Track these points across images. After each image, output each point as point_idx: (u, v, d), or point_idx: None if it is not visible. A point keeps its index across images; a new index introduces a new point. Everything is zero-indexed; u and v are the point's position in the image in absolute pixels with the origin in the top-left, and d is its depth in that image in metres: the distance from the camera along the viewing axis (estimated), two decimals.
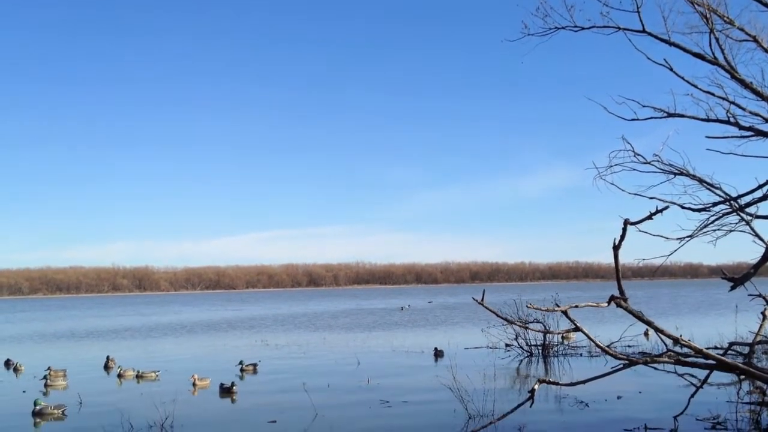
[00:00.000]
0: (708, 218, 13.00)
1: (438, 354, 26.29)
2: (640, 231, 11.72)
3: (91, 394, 19.13)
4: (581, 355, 25.50)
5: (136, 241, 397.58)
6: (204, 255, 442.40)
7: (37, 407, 16.26)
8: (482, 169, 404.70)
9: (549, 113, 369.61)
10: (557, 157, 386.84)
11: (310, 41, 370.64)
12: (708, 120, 12.37)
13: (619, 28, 12.62)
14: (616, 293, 11.11)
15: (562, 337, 27.76)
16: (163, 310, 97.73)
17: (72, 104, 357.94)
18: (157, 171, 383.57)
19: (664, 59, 12.20)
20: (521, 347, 26.71)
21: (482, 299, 11.07)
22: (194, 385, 19.90)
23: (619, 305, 10.95)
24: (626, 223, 10.72)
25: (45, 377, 21.69)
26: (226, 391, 18.71)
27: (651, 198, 12.43)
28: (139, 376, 22.38)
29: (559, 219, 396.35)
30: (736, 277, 12.65)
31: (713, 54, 11.89)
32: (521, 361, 24.90)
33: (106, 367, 25.53)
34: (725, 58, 11.88)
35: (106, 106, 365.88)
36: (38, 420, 15.87)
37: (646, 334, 26.81)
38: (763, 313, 13.97)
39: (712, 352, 11.26)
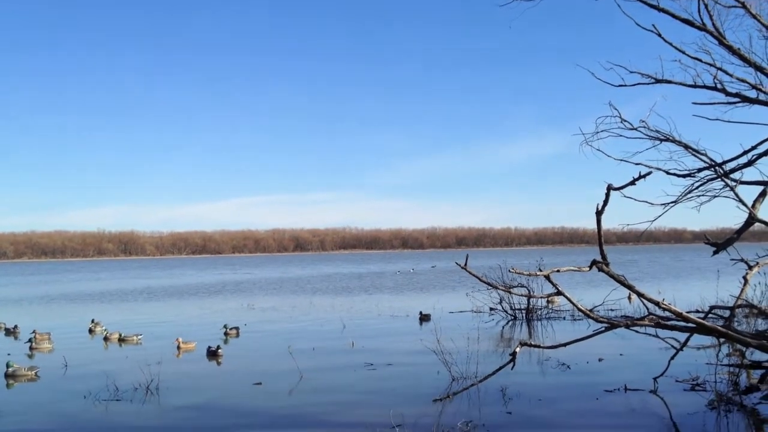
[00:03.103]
0: (693, 184, 13.06)
1: (423, 318, 26.44)
2: (625, 197, 11.74)
3: (77, 356, 19.17)
4: (564, 318, 25.75)
5: (123, 206, 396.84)
6: (190, 220, 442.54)
7: (10, 369, 16.45)
8: (470, 135, 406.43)
9: (537, 80, 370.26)
10: (545, 124, 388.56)
11: (297, 9, 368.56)
12: (695, 86, 12.36)
13: None
14: (599, 258, 11.16)
15: (548, 301, 27.97)
16: (149, 274, 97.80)
17: (57, 69, 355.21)
18: (144, 136, 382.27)
19: (653, 25, 12.14)
20: (505, 311, 26.94)
21: (465, 264, 11.10)
22: (179, 348, 19.95)
23: (600, 269, 11.00)
24: (609, 188, 10.73)
25: (30, 340, 21.69)
26: (212, 354, 18.78)
27: (637, 164, 12.45)
28: (121, 340, 22.41)
29: (546, 185, 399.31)
30: (719, 242, 12.77)
31: (701, 20, 11.83)
32: (505, 324, 25.09)
33: (90, 331, 25.50)
34: (713, 24, 11.82)
35: (92, 70, 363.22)
36: (11, 381, 15.99)
37: (629, 298, 27.03)
38: (744, 278, 14.09)
39: (693, 316, 11.36)
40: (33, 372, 16.51)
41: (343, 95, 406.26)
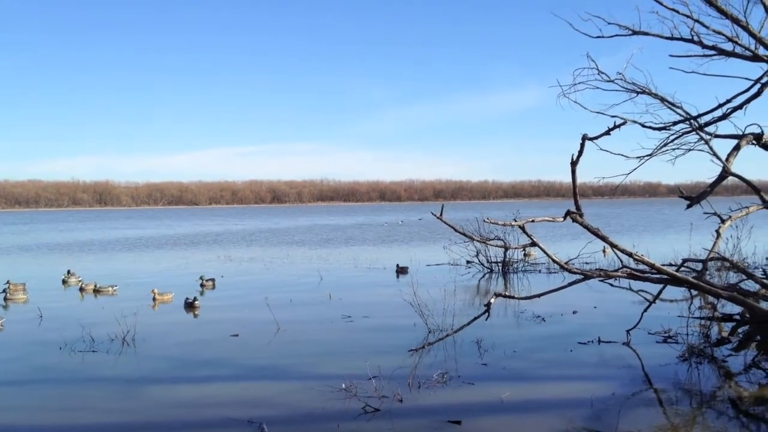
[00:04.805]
0: (668, 137, 13.10)
1: (400, 270, 26.54)
2: (601, 149, 11.80)
3: (52, 307, 19.06)
4: (540, 271, 25.98)
5: (98, 156, 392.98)
6: (167, 170, 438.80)
7: None
8: (449, 87, 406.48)
9: (515, 31, 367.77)
10: (524, 76, 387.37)
11: None
12: (672, 38, 12.30)
13: None
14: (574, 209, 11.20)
15: (524, 255, 28.20)
16: (125, 224, 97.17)
17: (33, 12, 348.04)
18: (120, 82, 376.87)
19: None
20: (482, 264, 27.12)
21: (441, 214, 11.10)
22: (154, 299, 19.90)
23: (575, 220, 11.06)
24: (584, 138, 10.73)
25: (4, 291, 21.55)
26: (189, 305, 18.75)
27: (613, 116, 12.44)
28: (96, 291, 22.32)
29: (523, 138, 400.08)
30: (693, 196, 12.86)
31: None
32: (481, 277, 25.27)
33: (64, 282, 25.32)
34: None
35: (68, 11, 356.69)
36: None
37: (603, 252, 27.28)
38: (717, 231, 14.24)
39: (666, 268, 11.48)
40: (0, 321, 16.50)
41: (319, 47, 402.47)
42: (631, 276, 11.40)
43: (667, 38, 12.34)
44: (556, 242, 37.35)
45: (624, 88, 12.94)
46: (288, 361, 12.36)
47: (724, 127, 12.81)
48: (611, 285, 15.65)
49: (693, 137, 12.94)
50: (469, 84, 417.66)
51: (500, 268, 26.69)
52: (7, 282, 22.32)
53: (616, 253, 12.30)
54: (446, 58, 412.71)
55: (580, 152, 10.85)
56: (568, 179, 11.27)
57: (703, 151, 12.97)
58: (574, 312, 16.50)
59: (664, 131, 13.14)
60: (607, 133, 10.79)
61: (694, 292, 14.50)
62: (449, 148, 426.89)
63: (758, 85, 12.10)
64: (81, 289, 22.69)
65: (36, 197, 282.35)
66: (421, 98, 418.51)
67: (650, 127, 13.10)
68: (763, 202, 12.39)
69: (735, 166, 12.32)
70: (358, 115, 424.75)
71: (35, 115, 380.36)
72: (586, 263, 23.78)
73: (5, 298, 21.02)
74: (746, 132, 12.35)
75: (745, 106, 12.37)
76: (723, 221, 14.09)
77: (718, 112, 12.69)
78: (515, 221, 11.43)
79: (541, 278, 24.01)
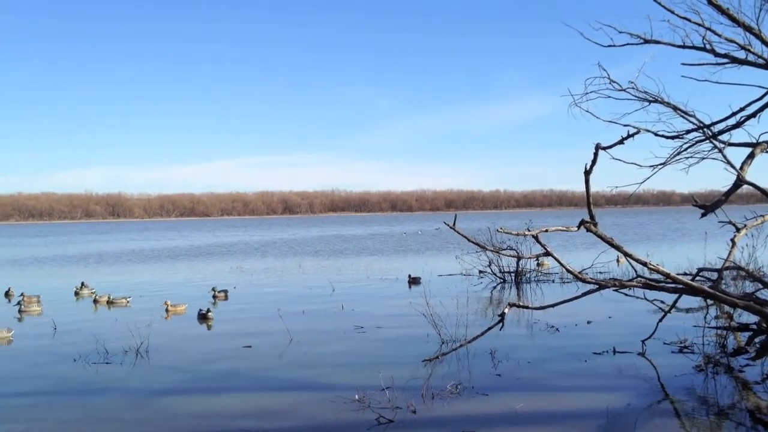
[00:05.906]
0: (681, 146, 12.98)
1: (412, 281, 26.48)
2: (614, 159, 11.70)
3: (66, 319, 19.13)
4: (553, 281, 25.86)
5: (110, 168, 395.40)
6: (179, 182, 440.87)
7: None
8: (459, 97, 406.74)
9: (527, 41, 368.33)
10: (534, 85, 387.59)
11: None
12: (684, 47, 12.23)
13: None
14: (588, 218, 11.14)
15: (537, 264, 28.10)
16: (139, 236, 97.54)
17: (43, 21, 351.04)
18: (132, 94, 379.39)
19: None
20: (494, 274, 27.02)
21: (454, 224, 11.07)
22: (167, 311, 19.94)
23: (588, 230, 10.98)
24: (598, 147, 10.68)
25: (19, 303, 21.67)
26: (202, 317, 18.77)
27: (625, 125, 12.34)
28: (110, 302, 22.39)
29: (535, 147, 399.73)
30: (707, 204, 12.76)
31: None
32: (494, 287, 25.18)
33: (76, 293, 25.37)
34: None
35: (81, 22, 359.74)
36: None
37: (617, 261, 27.14)
38: (732, 240, 14.13)
39: (681, 278, 11.40)
40: (10, 333, 16.62)
41: (326, 58, 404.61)
42: (646, 285, 11.31)
43: (679, 46, 12.28)
44: (569, 252, 37.21)
45: (636, 96, 12.85)
46: (301, 372, 12.34)
47: (737, 136, 12.71)
48: (626, 295, 15.53)
49: (706, 146, 12.83)
50: (477, 93, 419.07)
51: (513, 278, 26.60)
52: (22, 294, 22.46)
53: (630, 263, 12.21)
54: (453, 68, 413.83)
55: (594, 161, 10.79)
56: (580, 188, 11.21)
57: (716, 159, 12.83)
58: (589, 322, 16.42)
59: (677, 140, 13.04)
60: (621, 142, 10.74)
61: (710, 302, 14.40)
62: (458, 157, 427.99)
63: None
64: (95, 301, 22.76)
65: (49, 209, 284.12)
66: (429, 108, 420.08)
67: (663, 136, 13.01)
68: None
69: (749, 175, 12.21)
70: (365, 125, 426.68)
71: (45, 127, 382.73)
72: (600, 273, 23.66)
73: (20, 311, 21.13)
74: (760, 140, 12.25)
75: (758, 114, 12.28)
76: (738, 230, 13.95)
77: (732, 121, 12.59)
78: (528, 231, 11.36)
79: (554, 288, 23.90)
